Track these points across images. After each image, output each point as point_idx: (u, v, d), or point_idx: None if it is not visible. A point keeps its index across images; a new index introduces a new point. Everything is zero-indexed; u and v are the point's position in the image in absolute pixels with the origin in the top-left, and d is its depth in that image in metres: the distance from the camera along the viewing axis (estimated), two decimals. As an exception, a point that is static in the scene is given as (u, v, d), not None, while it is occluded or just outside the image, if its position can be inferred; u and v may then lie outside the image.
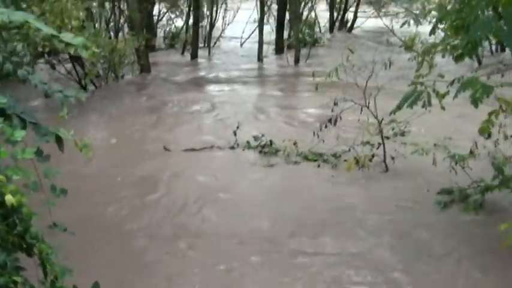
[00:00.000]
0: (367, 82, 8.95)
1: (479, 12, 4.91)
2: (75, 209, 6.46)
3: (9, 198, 2.93)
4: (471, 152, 7.72)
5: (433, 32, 6.59)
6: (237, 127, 9.98)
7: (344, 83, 9.18)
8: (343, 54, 8.71)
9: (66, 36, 3.42)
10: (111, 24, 19.34)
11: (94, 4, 16.03)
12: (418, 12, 24.35)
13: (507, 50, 12.05)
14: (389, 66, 8.56)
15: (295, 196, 7.89)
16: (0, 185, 2.98)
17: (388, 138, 8.98)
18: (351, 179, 8.35)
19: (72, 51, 3.52)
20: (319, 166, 8.91)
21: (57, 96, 3.60)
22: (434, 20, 6.73)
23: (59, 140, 3.48)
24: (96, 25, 17.69)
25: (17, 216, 3.09)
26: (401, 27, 7.78)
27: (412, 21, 6.98)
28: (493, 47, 20.10)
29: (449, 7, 6.85)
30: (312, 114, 12.19)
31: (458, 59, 5.61)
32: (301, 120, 11.92)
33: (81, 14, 12.97)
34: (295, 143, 9.29)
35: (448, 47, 6.76)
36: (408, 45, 8.33)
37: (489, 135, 7.02)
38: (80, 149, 3.47)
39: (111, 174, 8.87)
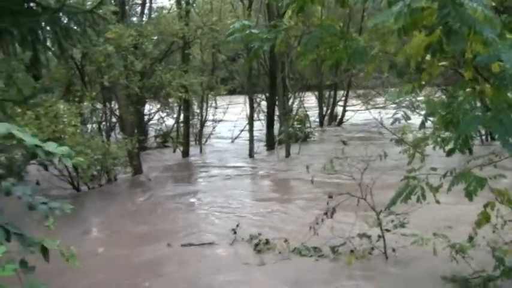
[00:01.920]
0: (362, 174, 8.97)
1: (467, 107, 4.92)
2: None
3: None
4: (471, 239, 7.61)
5: (422, 126, 6.63)
6: (237, 225, 9.98)
7: (338, 175, 9.15)
8: (336, 149, 8.74)
9: (50, 146, 3.41)
10: (103, 124, 19.44)
11: (86, 106, 16.15)
12: (404, 105, 24.84)
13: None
14: (385, 157, 8.55)
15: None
16: None
17: (388, 230, 8.83)
18: (350, 271, 8.22)
19: (56, 161, 3.49)
20: (317, 260, 8.74)
21: (41, 209, 3.55)
22: (423, 113, 6.78)
23: (44, 251, 3.42)
24: (88, 126, 17.79)
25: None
26: (392, 124, 7.83)
27: (401, 118, 7.05)
28: (483, 137, 20.25)
29: (436, 99, 6.91)
30: (305, 208, 12.06)
31: (449, 153, 5.62)
32: (296, 215, 11.76)
33: (75, 119, 13.12)
34: (286, 240, 9.20)
35: (439, 140, 6.80)
36: (399, 139, 8.39)
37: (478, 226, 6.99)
38: (66, 259, 3.40)
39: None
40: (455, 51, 4.69)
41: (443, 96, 5.78)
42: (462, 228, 8.54)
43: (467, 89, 5.10)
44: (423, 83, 5.49)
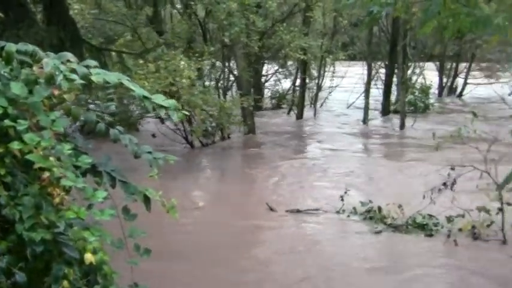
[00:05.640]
0: (489, 146, 8.61)
1: None
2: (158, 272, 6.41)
3: (88, 257, 2.96)
4: None
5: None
6: (345, 192, 9.70)
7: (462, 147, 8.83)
8: (456, 122, 8.41)
9: (158, 98, 3.48)
10: (220, 83, 19.76)
11: (206, 63, 16.44)
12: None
13: None
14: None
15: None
16: (80, 243, 3.04)
17: (509, 204, 8.33)
18: (466, 250, 7.96)
19: (163, 114, 3.57)
20: (431, 235, 8.51)
21: (146, 158, 3.64)
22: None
23: (146, 200, 3.51)
24: (206, 83, 18.10)
25: (99, 273, 3.12)
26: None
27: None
28: None
29: None
30: (421, 180, 11.70)
31: None
32: (406, 185, 11.50)
33: (192, 73, 13.39)
34: (400, 206, 8.91)
35: None
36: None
37: None
38: (167, 210, 3.48)
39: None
40: None
41: None
42: None
43: None
44: None
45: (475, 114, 8.75)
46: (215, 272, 7.23)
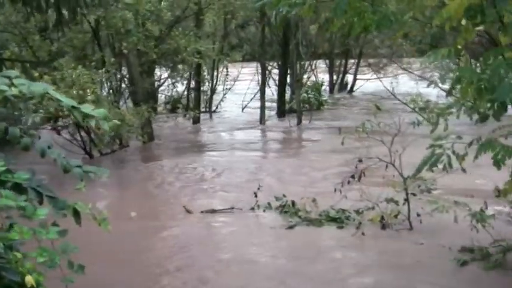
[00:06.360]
0: (393, 139, 8.90)
1: (502, 72, 4.82)
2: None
3: (28, 279, 2.84)
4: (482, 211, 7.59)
5: (450, 94, 6.52)
6: (258, 188, 9.76)
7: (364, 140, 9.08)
8: (348, 117, 8.64)
9: (86, 109, 3.37)
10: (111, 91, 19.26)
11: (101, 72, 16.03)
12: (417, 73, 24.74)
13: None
14: (418, 125, 8.39)
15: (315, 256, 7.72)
16: (19, 265, 2.90)
17: (414, 195, 8.74)
18: (373, 237, 8.26)
19: (93, 124, 3.45)
20: (342, 227, 8.73)
21: (76, 172, 3.51)
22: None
23: (76, 214, 3.41)
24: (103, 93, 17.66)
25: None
26: (428, 86, 7.73)
27: (436, 82, 6.95)
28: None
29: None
30: (324, 175, 12.00)
31: (483, 120, 5.53)
32: (314, 181, 11.73)
33: (95, 87, 13.04)
34: (314, 200, 9.16)
35: (464, 108, 6.68)
36: (422, 107, 8.31)
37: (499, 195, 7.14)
38: (98, 223, 3.40)
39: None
40: (495, 14, 4.62)
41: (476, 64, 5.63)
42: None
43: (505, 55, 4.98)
44: (459, 47, 5.37)
45: (378, 108, 9.00)
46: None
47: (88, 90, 12.96)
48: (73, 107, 3.39)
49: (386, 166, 8.86)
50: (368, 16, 5.89)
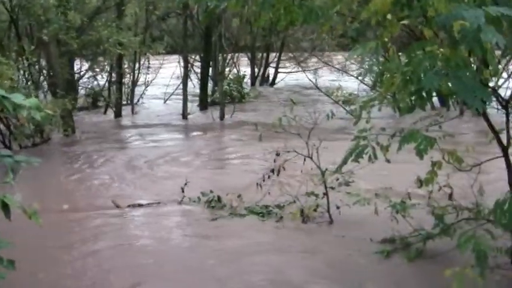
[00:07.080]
0: (309, 132, 9.05)
1: (427, 64, 4.99)
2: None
3: None
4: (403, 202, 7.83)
5: (374, 87, 6.70)
6: (185, 183, 9.77)
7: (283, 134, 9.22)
8: (271, 109, 8.77)
9: (17, 98, 3.29)
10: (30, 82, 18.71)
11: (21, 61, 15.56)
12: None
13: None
14: (332, 117, 8.59)
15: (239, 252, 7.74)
16: None
17: (333, 188, 9.01)
18: (294, 231, 8.35)
19: (24, 114, 3.37)
20: (263, 221, 8.84)
21: (7, 162, 3.43)
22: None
23: (5, 208, 3.32)
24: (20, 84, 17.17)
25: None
26: (357, 77, 7.91)
27: (366, 73, 7.10)
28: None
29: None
30: (250, 169, 12.03)
31: (409, 110, 5.69)
32: (240, 175, 11.77)
33: (13, 73, 12.64)
34: (239, 196, 9.31)
35: (386, 100, 6.87)
36: (346, 99, 8.49)
37: (421, 185, 7.28)
38: (28, 217, 3.32)
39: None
40: (419, 8, 4.78)
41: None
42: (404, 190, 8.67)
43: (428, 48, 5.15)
44: (386, 39, 5.51)
45: (293, 102, 9.15)
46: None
47: (6, 82, 12.50)
48: (3, 96, 3.30)
49: (304, 160, 9.04)
50: (294, 10, 5.99)
